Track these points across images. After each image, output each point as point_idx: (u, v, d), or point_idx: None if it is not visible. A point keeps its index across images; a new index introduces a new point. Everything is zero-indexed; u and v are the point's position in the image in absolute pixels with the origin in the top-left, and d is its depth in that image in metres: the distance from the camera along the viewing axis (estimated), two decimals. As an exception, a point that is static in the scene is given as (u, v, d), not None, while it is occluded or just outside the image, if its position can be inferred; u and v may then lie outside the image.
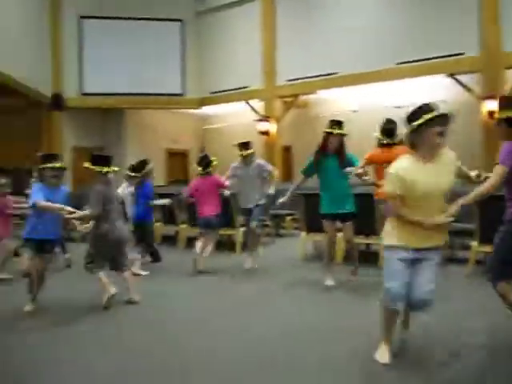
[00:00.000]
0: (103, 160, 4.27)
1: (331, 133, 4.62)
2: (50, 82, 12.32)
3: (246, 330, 3.49)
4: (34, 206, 3.89)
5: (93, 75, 12.46)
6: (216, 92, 12.61)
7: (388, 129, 5.00)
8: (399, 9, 9.85)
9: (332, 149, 4.62)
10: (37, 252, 4.06)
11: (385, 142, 4.97)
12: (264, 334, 3.39)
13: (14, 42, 11.49)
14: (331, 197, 4.67)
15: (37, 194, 3.91)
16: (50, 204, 3.90)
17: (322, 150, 4.67)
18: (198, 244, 5.63)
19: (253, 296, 4.50)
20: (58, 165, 4.10)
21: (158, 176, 13.95)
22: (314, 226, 6.09)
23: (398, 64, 9.68)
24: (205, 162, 5.72)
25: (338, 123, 4.67)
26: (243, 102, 12.17)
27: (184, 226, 7.55)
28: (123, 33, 12.47)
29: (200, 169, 5.69)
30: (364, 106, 11.42)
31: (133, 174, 5.84)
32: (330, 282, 4.69)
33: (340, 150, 4.64)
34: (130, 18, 12.46)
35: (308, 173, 4.85)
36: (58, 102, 12.36)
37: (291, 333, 3.38)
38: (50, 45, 12.31)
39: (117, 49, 12.44)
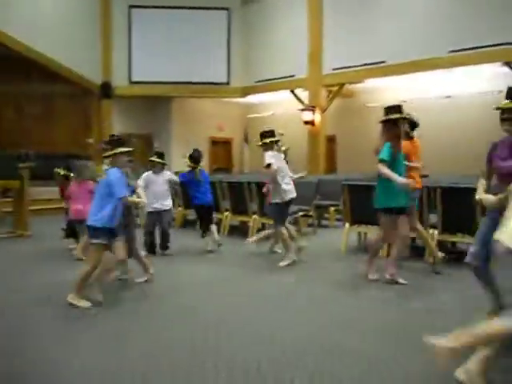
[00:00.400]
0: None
1: (405, 118, 4.36)
2: (100, 71, 12.68)
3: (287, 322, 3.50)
4: (121, 199, 3.79)
5: (141, 64, 12.72)
6: (261, 81, 12.58)
7: (413, 122, 4.86)
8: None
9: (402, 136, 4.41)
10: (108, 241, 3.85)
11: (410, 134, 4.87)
12: (301, 327, 3.38)
13: (66, 31, 11.91)
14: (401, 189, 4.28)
15: (122, 188, 3.79)
16: (135, 199, 4.17)
17: (398, 138, 4.37)
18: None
19: (292, 285, 4.50)
20: (131, 149, 3.99)
21: (202, 164, 14.18)
22: (358, 217, 6.01)
23: (450, 52, 9.28)
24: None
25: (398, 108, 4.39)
26: (288, 91, 12.09)
27: (227, 213, 7.62)
28: (171, 22, 12.62)
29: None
30: (413, 95, 11.07)
31: (193, 164, 5.99)
32: (372, 276, 4.61)
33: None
34: (177, 7, 12.60)
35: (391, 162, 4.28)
36: (106, 90, 12.72)
37: (329, 325, 3.36)
38: (100, 34, 12.66)
39: (164, 38, 12.63)
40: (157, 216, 5.85)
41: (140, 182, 5.44)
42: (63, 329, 3.35)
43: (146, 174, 5.90)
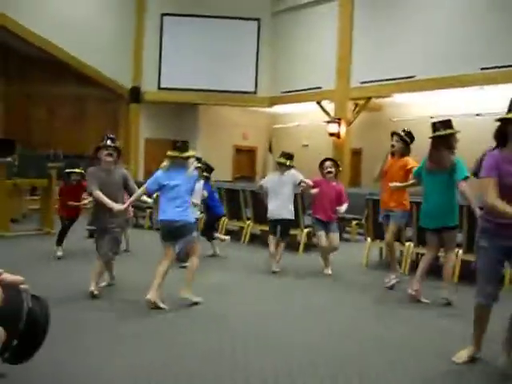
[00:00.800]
0: None
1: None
2: (131, 76, 12.94)
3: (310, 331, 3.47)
4: None
5: (170, 70, 12.92)
6: (288, 91, 12.62)
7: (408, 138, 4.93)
8: (485, 9, 9.24)
9: None
10: None
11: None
12: (321, 340, 3.35)
13: (100, 36, 12.21)
14: None
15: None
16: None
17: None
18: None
19: (313, 296, 4.47)
20: (187, 154, 4.09)
21: (225, 171, 14.27)
22: (380, 232, 5.94)
23: (481, 69, 9.14)
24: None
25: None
26: (314, 103, 12.09)
27: (249, 222, 7.63)
28: (201, 30, 12.80)
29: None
30: (441, 112, 10.91)
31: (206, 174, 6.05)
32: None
33: None
34: (208, 16, 12.78)
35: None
36: (135, 94, 12.95)
37: (355, 340, 3.32)
38: (132, 40, 12.93)
39: (194, 45, 12.81)
40: None
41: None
42: (78, 331, 3.40)
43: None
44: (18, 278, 0.62)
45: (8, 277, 0.61)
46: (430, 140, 4.29)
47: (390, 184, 4.63)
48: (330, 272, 5.51)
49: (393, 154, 4.87)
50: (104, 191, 4.17)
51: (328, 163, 5.55)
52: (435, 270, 5.30)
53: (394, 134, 4.89)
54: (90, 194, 4.48)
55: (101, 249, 4.23)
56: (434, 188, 4.23)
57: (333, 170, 5.53)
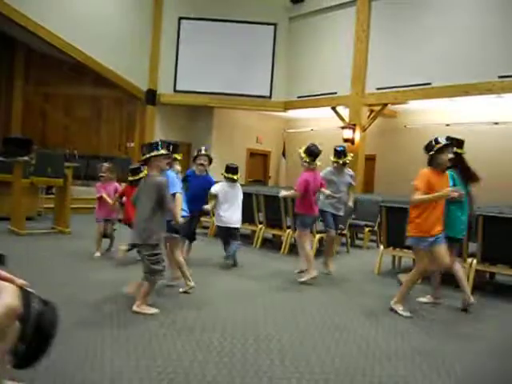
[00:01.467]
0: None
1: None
2: (147, 78, 13.05)
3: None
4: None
5: (186, 73, 13.00)
6: (303, 96, 12.61)
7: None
8: (504, 17, 9.13)
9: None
10: None
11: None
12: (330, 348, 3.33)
13: (117, 38, 12.35)
14: (463, 219, 4.49)
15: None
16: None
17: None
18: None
19: (326, 303, 4.44)
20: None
21: (239, 175, 14.29)
22: (393, 240, 5.90)
23: (500, 77, 9.03)
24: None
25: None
26: (328, 108, 12.06)
27: (261, 226, 7.62)
28: (218, 34, 12.87)
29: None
30: (457, 120, 10.84)
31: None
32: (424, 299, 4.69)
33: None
34: (225, 20, 12.84)
35: None
36: (151, 96, 13.05)
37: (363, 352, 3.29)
38: (149, 43, 13.05)
39: (210, 49, 12.88)
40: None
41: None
42: (88, 328, 3.42)
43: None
44: (23, 282, 0.62)
45: (16, 279, 0.61)
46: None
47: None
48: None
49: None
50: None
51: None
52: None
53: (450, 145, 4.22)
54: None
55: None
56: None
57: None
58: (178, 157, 4.85)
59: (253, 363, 2.90)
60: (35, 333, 0.55)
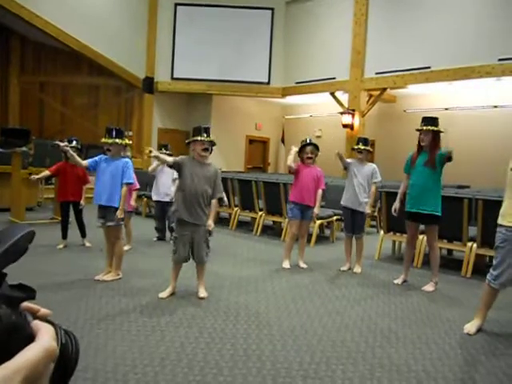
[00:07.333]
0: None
1: (421, 129, 4.49)
2: (144, 66, 12.95)
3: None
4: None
5: (183, 60, 12.90)
6: (301, 82, 12.53)
7: None
8: None
9: (425, 146, 4.51)
10: None
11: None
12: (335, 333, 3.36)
13: (113, 26, 12.22)
14: (412, 195, 4.57)
15: None
16: None
17: (418, 148, 4.60)
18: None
19: (331, 289, 4.47)
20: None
21: (238, 162, 14.29)
22: (393, 225, 5.91)
23: (499, 60, 8.97)
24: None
25: (430, 120, 4.51)
26: (327, 94, 11.99)
27: (261, 213, 7.63)
28: (214, 20, 12.74)
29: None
30: (457, 103, 10.81)
31: None
32: (398, 280, 4.81)
33: (431, 148, 4.46)
34: (221, 6, 12.70)
35: (407, 171, 4.72)
36: (149, 84, 12.97)
37: (365, 335, 3.32)
38: (145, 30, 12.92)
39: (207, 35, 12.76)
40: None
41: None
42: (94, 317, 3.44)
43: None
44: (47, 311, 0.61)
45: (43, 310, 0.60)
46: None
47: None
48: (305, 266, 5.34)
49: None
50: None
51: (309, 148, 5.43)
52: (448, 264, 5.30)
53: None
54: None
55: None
56: None
57: (313, 155, 5.42)
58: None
59: (255, 349, 2.92)
60: (59, 364, 0.54)
